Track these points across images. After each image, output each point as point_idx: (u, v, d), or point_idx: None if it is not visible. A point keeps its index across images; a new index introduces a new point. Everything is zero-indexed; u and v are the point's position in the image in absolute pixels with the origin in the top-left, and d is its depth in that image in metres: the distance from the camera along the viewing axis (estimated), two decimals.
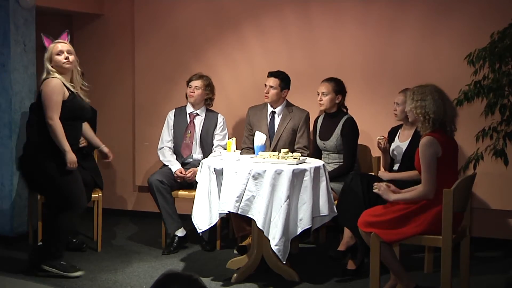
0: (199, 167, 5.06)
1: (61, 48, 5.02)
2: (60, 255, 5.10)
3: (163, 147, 6.08)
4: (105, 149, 5.55)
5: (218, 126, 6.04)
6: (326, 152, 5.67)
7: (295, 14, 6.41)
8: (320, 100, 5.58)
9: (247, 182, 4.68)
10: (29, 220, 6.03)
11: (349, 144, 5.56)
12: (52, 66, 5.01)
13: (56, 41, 5.14)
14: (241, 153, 5.27)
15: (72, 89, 5.01)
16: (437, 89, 4.47)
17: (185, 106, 6.13)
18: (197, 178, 5.04)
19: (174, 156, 6.02)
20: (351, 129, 5.56)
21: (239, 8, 6.58)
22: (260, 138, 5.21)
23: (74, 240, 5.75)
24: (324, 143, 5.62)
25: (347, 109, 5.69)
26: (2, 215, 6.00)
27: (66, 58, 5.00)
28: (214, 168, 4.81)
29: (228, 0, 6.61)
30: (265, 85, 5.85)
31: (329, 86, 5.55)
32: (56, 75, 4.98)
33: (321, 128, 5.71)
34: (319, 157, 5.66)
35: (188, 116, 6.07)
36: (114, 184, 7.07)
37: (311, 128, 5.89)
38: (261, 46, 6.52)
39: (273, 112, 5.92)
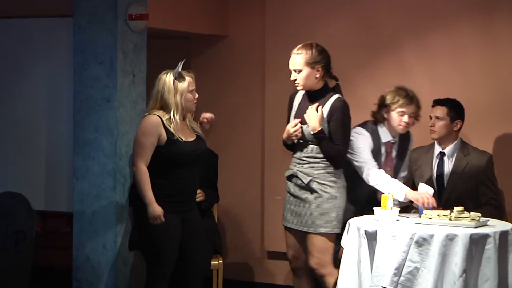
0: (345, 228, 4.89)
1: (194, 85, 5.03)
2: None
3: None
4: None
5: None
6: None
7: (473, 30, 6.12)
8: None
9: (408, 250, 4.46)
10: None
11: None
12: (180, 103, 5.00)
13: (188, 72, 5.09)
14: None
15: (172, 130, 4.99)
16: None
17: None
18: (342, 243, 4.90)
19: None
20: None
21: (399, 25, 6.36)
22: (424, 191, 5.01)
23: None
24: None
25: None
26: (104, 286, 5.81)
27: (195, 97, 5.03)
28: (365, 231, 4.63)
29: (385, 15, 6.39)
30: (430, 117, 5.48)
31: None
32: (158, 111, 4.98)
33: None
34: None
35: None
36: (238, 248, 6.94)
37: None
38: (427, 73, 6.26)
39: (442, 154, 5.44)
